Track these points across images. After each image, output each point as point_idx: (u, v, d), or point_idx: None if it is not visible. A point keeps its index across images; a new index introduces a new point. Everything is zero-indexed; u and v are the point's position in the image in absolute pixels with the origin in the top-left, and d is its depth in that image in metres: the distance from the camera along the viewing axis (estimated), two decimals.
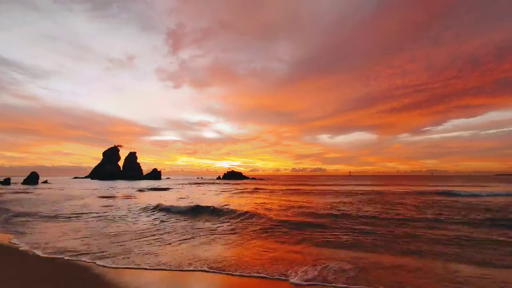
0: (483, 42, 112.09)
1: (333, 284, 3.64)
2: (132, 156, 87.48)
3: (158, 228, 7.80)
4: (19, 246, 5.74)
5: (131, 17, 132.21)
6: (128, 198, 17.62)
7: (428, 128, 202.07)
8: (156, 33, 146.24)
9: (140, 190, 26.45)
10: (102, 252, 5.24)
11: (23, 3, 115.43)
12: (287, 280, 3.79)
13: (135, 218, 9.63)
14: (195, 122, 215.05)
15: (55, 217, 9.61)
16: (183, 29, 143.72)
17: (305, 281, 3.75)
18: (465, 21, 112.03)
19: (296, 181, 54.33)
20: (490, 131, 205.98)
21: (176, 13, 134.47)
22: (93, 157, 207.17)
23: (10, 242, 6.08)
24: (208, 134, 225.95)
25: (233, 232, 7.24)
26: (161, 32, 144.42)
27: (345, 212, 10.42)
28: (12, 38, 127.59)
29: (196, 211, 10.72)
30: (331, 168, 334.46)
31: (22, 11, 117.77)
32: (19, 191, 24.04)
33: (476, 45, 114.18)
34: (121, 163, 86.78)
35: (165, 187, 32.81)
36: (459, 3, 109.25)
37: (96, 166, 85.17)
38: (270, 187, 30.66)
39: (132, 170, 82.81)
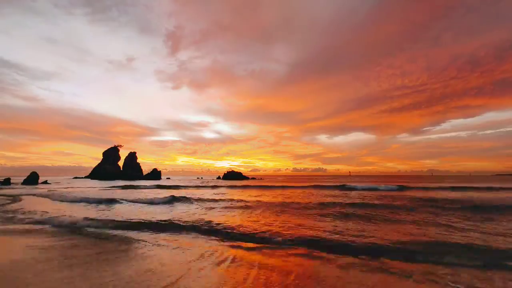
0: (482, 43, 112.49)
1: None
2: (132, 156, 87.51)
3: None
4: None
5: (131, 20, 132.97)
6: None
7: (427, 128, 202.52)
8: (155, 35, 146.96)
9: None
10: None
11: (25, 7, 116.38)
12: None
13: None
14: (195, 122, 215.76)
15: None
16: (182, 31, 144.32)
17: None
18: (465, 22, 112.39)
19: (299, 181, 53.89)
20: (488, 132, 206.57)
21: (175, 15, 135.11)
22: (93, 157, 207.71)
23: None
24: (208, 134, 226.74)
25: None
26: (160, 34, 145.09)
27: None
28: (14, 40, 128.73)
29: None
30: (331, 168, 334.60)
31: (23, 15, 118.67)
32: None
33: (475, 45, 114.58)
34: (121, 163, 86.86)
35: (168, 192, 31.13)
36: (459, 3, 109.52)
37: (96, 166, 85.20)
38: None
39: (132, 170, 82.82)
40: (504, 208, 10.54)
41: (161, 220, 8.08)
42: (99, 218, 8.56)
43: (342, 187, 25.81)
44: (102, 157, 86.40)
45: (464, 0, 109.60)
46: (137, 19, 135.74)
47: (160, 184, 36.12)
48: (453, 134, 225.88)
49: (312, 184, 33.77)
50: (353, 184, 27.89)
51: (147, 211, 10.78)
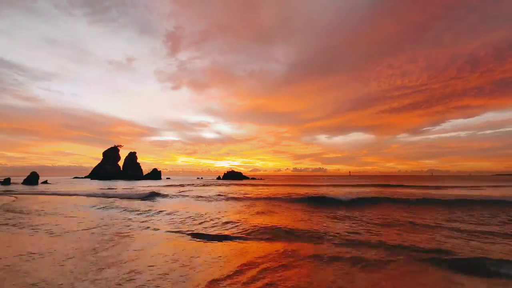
0: (482, 43, 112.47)
1: None
2: (132, 156, 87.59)
3: None
4: None
5: (130, 20, 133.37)
6: None
7: (426, 128, 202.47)
8: (155, 36, 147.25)
9: None
10: None
11: (25, 9, 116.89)
12: None
13: None
14: (195, 122, 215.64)
15: None
16: (182, 32, 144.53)
17: None
18: (465, 22, 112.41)
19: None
20: (487, 132, 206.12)
21: (175, 16, 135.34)
22: (93, 157, 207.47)
23: None
24: (208, 134, 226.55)
25: None
26: (160, 35, 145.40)
27: None
28: (15, 41, 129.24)
29: None
30: (331, 168, 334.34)
31: (24, 16, 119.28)
32: None
33: (475, 45, 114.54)
34: (121, 163, 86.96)
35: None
36: (459, 4, 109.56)
37: (96, 166, 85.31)
38: None
39: (132, 170, 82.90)
40: None
41: None
42: None
43: (316, 201, 14.46)
44: (102, 157, 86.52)
45: (464, 0, 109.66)
46: (137, 19, 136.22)
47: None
48: (452, 134, 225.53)
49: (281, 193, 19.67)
50: (334, 195, 15.51)
51: None
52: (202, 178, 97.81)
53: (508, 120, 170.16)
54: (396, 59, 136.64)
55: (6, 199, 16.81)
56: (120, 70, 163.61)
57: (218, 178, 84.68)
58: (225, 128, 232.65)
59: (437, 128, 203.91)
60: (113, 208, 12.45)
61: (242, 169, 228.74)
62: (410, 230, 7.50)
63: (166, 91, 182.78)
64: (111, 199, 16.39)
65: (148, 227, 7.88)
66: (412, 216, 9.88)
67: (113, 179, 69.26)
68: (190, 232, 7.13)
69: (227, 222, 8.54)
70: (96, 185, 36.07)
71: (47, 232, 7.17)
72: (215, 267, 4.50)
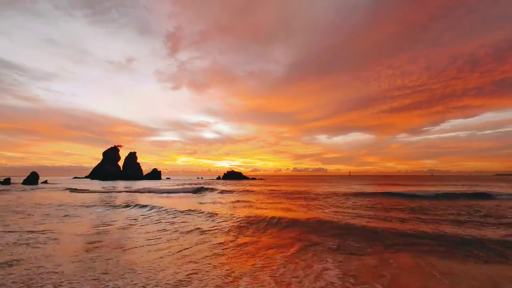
0: (482, 43, 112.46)
1: None
2: (132, 156, 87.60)
3: None
4: None
5: (130, 21, 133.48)
6: None
7: (426, 128, 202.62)
8: (155, 36, 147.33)
9: None
10: None
11: (26, 10, 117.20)
12: None
13: None
14: (195, 122, 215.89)
15: None
16: (182, 32, 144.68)
17: None
18: (465, 22, 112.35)
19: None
20: (487, 132, 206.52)
21: (175, 16, 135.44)
22: (93, 157, 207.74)
23: None
24: (208, 134, 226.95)
25: None
26: (160, 35, 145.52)
27: None
28: (15, 42, 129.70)
29: None
30: (331, 168, 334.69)
31: (24, 17, 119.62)
32: None
33: (475, 45, 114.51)
34: (121, 163, 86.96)
35: None
36: (459, 3, 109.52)
37: (96, 166, 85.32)
38: None
39: (132, 170, 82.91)
40: None
41: None
42: None
43: None
44: (102, 157, 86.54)
45: (464, 0, 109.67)
46: (137, 20, 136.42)
47: None
48: (452, 134, 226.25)
49: None
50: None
51: None
52: (202, 178, 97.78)
53: (508, 120, 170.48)
54: (396, 59, 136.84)
55: None
56: (120, 70, 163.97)
57: (218, 178, 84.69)
58: (225, 128, 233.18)
59: (437, 128, 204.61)
60: None
61: (242, 169, 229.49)
62: None
63: (166, 91, 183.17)
64: None
65: None
66: None
67: (113, 179, 69.24)
68: None
69: None
70: (92, 185, 36.02)
71: None
72: None
